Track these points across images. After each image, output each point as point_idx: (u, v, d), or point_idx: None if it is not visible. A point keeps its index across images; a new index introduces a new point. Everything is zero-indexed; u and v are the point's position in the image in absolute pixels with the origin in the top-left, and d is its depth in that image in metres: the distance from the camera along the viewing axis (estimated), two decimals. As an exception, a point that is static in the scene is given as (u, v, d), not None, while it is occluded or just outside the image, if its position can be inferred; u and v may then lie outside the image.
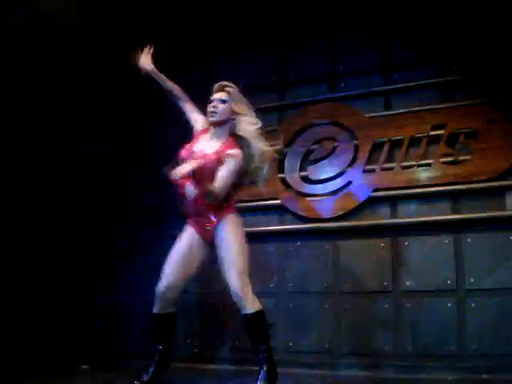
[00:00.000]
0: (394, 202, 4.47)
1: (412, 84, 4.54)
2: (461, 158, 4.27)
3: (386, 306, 4.25)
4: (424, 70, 4.55)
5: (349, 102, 4.78)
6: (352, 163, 4.62)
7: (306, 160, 4.81)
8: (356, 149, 4.63)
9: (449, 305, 4.10)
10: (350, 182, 4.59)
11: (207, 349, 4.78)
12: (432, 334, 4.08)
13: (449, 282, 4.13)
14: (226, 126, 3.46)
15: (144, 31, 4.65)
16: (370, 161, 4.56)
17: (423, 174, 4.36)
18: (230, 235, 3.37)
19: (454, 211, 4.27)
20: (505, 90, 4.28)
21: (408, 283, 4.25)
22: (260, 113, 4.84)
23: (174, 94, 3.62)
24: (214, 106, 3.40)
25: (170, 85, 3.62)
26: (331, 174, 4.68)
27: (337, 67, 4.90)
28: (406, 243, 4.34)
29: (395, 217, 4.44)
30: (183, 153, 3.37)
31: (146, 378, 3.39)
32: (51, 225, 5.37)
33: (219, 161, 3.27)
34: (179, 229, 3.52)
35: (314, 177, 4.75)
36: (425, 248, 4.27)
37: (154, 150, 5.11)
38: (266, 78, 5.15)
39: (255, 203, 4.85)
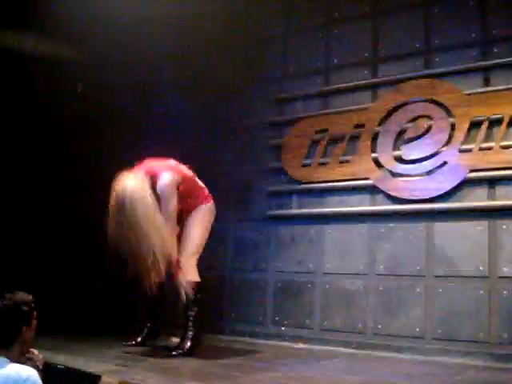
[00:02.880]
0: (492, 183, 4.25)
1: (512, 59, 4.28)
2: None
3: (481, 291, 4.09)
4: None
5: (445, 78, 4.56)
6: (448, 142, 4.42)
7: (400, 139, 4.67)
8: (452, 127, 4.42)
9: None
10: (445, 163, 4.41)
11: (295, 327, 4.84)
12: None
13: (550, 268, 3.92)
14: None
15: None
16: (466, 140, 4.35)
17: (522, 156, 4.12)
18: (197, 220, 4.13)
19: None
20: None
21: (505, 269, 4.05)
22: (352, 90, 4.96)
23: None
24: None
25: None
26: (426, 154, 4.50)
27: (431, 41, 4.67)
28: (504, 226, 4.14)
29: (493, 199, 4.23)
30: None
31: (138, 340, 4.18)
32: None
33: None
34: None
35: (407, 156, 4.60)
36: (525, 232, 4.06)
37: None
38: (358, 54, 5.03)
39: (346, 183, 4.83)
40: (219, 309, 5.24)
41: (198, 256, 4.08)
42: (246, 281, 5.20)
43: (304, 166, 5.07)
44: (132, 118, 6.05)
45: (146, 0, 5.34)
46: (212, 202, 4.28)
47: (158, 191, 3.92)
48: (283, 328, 4.87)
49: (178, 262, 3.94)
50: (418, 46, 4.75)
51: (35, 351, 2.76)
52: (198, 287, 3.96)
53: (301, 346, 4.63)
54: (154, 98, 6.02)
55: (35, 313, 2.66)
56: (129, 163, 4.02)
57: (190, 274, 3.94)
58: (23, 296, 2.64)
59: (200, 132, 5.58)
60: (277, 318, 4.92)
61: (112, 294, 5.70)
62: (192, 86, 5.56)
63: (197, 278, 3.98)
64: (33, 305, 2.65)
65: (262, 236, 5.21)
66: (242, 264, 5.26)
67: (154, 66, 5.83)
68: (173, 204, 3.95)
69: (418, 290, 4.35)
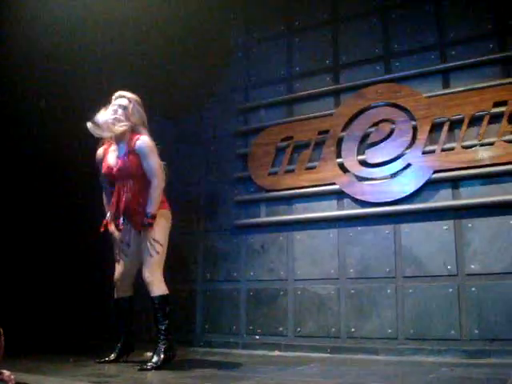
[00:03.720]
0: (455, 183, 4.34)
1: (470, 60, 4.38)
2: (525, 135, 4.11)
3: (451, 289, 4.15)
4: (482, 45, 4.37)
5: (405, 82, 4.66)
6: (411, 145, 4.51)
7: (364, 143, 4.74)
8: (414, 130, 4.51)
9: (515, 288, 3.98)
10: (409, 165, 4.49)
11: (269, 335, 4.83)
12: (498, 318, 3.95)
13: (515, 265, 4.00)
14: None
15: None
16: (429, 142, 4.44)
17: (485, 153, 4.21)
18: (157, 229, 3.85)
19: (519, 190, 4.12)
20: None
21: (473, 266, 4.13)
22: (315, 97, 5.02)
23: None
24: (115, 110, 3.89)
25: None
26: (390, 157, 4.58)
27: (391, 46, 4.78)
28: (470, 225, 4.22)
29: (458, 198, 4.31)
30: (105, 170, 3.94)
31: (111, 357, 4.02)
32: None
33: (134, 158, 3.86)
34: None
35: (372, 160, 4.67)
36: (490, 230, 4.14)
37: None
38: (320, 62, 5.10)
39: (313, 189, 4.86)
40: (192, 320, 5.21)
41: (162, 266, 3.89)
42: (217, 291, 5.17)
43: (271, 174, 5.09)
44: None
45: (109, 4, 5.32)
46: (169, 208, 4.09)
47: (137, 150, 3.85)
48: (257, 337, 4.86)
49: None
50: (377, 51, 4.85)
51: (6, 372, 2.70)
52: (167, 300, 3.86)
53: (277, 353, 4.62)
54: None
55: (1, 331, 2.60)
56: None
57: (158, 288, 3.82)
58: None
59: (165, 143, 5.54)
60: (250, 327, 4.90)
61: (83, 309, 5.63)
62: (156, 97, 5.53)
63: (165, 291, 3.87)
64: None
65: (231, 245, 5.20)
66: (213, 274, 5.24)
67: (115, 76, 5.78)
68: (156, 161, 3.87)
69: (389, 291, 4.39)
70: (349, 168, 4.75)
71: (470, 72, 4.38)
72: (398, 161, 4.55)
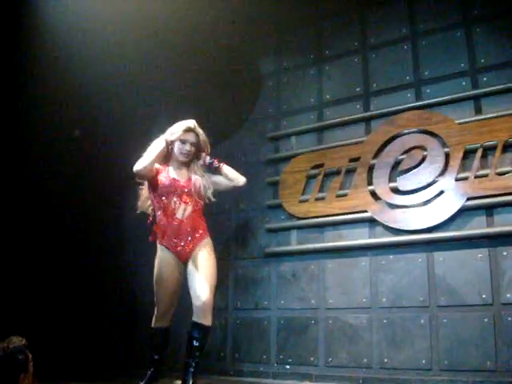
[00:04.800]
0: (489, 210, 4.26)
1: (501, 86, 4.33)
2: (560, 161, 4.03)
3: (486, 319, 4.05)
4: (513, 71, 4.35)
5: (437, 108, 4.62)
6: (443, 172, 4.45)
7: (396, 170, 4.70)
8: (447, 157, 4.46)
9: (554, 318, 3.86)
10: (442, 192, 4.43)
11: (300, 365, 4.77)
12: (537, 349, 3.84)
13: (553, 294, 3.89)
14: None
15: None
16: (462, 168, 4.38)
17: (520, 180, 4.13)
18: (207, 256, 3.90)
19: (556, 217, 4.03)
20: None
21: (508, 295, 4.02)
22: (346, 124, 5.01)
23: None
24: (189, 151, 4.00)
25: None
26: (422, 184, 4.52)
27: (421, 73, 4.76)
28: (505, 253, 4.12)
29: (492, 226, 4.23)
30: (165, 182, 3.93)
31: None
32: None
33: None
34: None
35: (404, 187, 4.61)
36: (525, 258, 4.04)
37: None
38: (350, 89, 5.11)
39: (345, 216, 4.81)
40: (222, 349, 5.17)
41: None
42: (247, 319, 5.14)
43: (301, 201, 5.07)
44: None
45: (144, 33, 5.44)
46: None
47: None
48: (288, 366, 4.79)
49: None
50: (408, 78, 4.83)
51: None
52: (209, 333, 3.83)
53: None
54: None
55: (31, 357, 2.63)
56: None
57: (209, 318, 3.76)
58: (17, 342, 2.60)
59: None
60: (281, 357, 4.84)
61: (113, 337, 5.66)
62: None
63: (210, 323, 3.80)
64: (27, 350, 2.61)
65: (262, 273, 5.17)
66: (244, 302, 5.21)
67: (149, 107, 5.87)
68: None
69: (422, 321, 4.30)
70: (380, 195, 4.70)
71: (502, 97, 4.32)
72: (430, 188, 4.49)
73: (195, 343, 3.74)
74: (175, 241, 3.91)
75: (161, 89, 5.97)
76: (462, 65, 4.55)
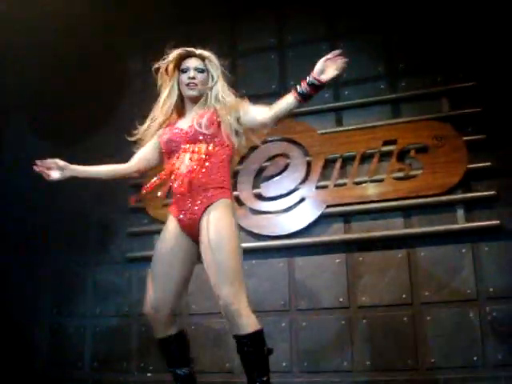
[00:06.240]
0: (347, 217, 4.48)
1: (362, 100, 4.61)
2: (412, 173, 4.32)
3: (343, 322, 4.24)
4: (373, 86, 4.62)
5: (301, 118, 4.79)
6: (305, 180, 4.62)
7: (259, 177, 4.79)
8: (308, 165, 4.64)
9: (404, 319, 4.12)
10: (303, 199, 4.59)
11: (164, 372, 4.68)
12: (389, 349, 4.08)
13: (404, 296, 4.16)
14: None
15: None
16: (322, 177, 4.57)
17: (375, 190, 4.39)
18: (221, 226, 2.72)
19: (407, 226, 4.32)
20: (453, 104, 4.38)
21: (364, 298, 4.25)
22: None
23: (141, 168, 3.17)
24: (192, 77, 2.94)
25: (130, 168, 3.16)
26: (284, 191, 4.66)
27: (287, 83, 4.90)
28: (361, 258, 4.35)
29: (349, 232, 4.46)
30: (171, 136, 2.92)
31: None
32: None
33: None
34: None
35: (267, 194, 4.72)
36: (379, 263, 4.29)
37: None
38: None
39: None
40: (80, 358, 4.93)
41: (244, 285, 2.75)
42: (108, 327, 4.96)
43: (164, 205, 4.99)
44: None
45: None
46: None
47: None
48: (149, 374, 4.69)
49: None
50: (274, 87, 4.95)
51: None
52: (263, 338, 2.80)
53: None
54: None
55: None
56: None
57: (248, 321, 2.68)
58: None
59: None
60: (142, 365, 4.71)
61: None
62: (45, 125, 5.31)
63: (258, 325, 2.72)
64: None
65: (123, 279, 5.03)
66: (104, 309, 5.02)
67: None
68: None
69: (283, 324, 4.41)
70: (244, 201, 4.77)
71: (361, 111, 4.59)
72: (292, 195, 4.63)
73: (242, 360, 2.80)
74: (181, 205, 2.86)
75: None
76: (327, 79, 4.74)
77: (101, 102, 5.46)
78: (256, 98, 4.78)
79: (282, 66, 4.98)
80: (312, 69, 2.69)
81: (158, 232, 4.80)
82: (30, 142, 5.42)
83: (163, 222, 4.77)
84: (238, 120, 2.89)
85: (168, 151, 2.94)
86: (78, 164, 3.03)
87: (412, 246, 4.26)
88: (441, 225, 4.21)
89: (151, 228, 5.02)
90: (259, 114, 2.85)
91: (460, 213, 4.19)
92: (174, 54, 2.96)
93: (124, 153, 5.17)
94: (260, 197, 4.75)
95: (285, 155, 4.75)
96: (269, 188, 4.73)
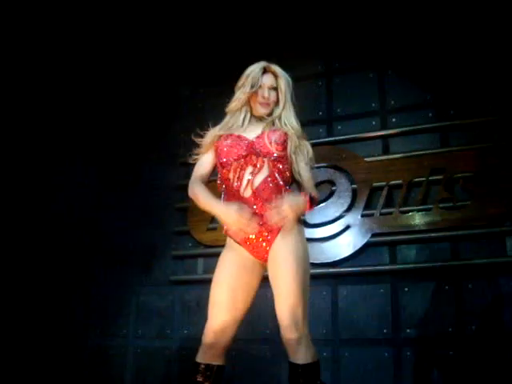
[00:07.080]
0: (393, 246, 4.41)
1: (410, 128, 4.55)
2: (460, 202, 4.24)
3: (386, 354, 4.15)
4: (421, 114, 4.56)
5: (347, 145, 4.76)
6: (350, 207, 4.57)
7: (303, 204, 4.76)
8: (354, 193, 4.60)
9: (450, 353, 4.01)
10: (348, 227, 4.54)
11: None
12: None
13: (450, 330, 4.05)
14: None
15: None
16: (368, 205, 4.52)
17: (423, 219, 4.31)
18: (293, 252, 2.65)
19: (454, 257, 4.22)
20: (501, 135, 4.29)
21: (408, 330, 4.16)
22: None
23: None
24: (267, 97, 2.88)
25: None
26: (329, 218, 4.62)
27: (333, 110, 4.90)
28: (406, 289, 4.27)
29: (394, 262, 4.38)
30: (224, 148, 2.80)
31: None
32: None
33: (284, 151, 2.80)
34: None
35: (311, 220, 4.68)
36: (425, 294, 4.20)
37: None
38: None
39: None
40: (118, 381, 4.97)
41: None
42: (149, 348, 4.99)
43: (209, 229, 5.02)
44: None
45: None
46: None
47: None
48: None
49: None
50: (320, 114, 4.94)
51: None
52: (320, 370, 2.66)
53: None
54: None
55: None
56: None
57: (309, 350, 2.61)
58: None
59: (101, 195, 5.44)
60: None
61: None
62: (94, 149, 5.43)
63: (316, 355, 2.65)
64: None
65: (166, 301, 5.05)
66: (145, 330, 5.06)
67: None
68: None
69: (325, 354, 4.33)
70: (287, 227, 4.74)
71: (408, 139, 4.54)
72: (337, 222, 4.59)
73: None
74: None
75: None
76: (373, 105, 4.73)
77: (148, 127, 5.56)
78: (303, 124, 4.94)
79: (328, 92, 4.97)
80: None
81: (202, 256, 4.97)
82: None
83: (208, 246, 4.92)
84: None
85: (225, 162, 2.80)
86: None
87: (459, 278, 4.15)
88: (490, 257, 4.10)
89: (195, 251, 5.05)
90: (301, 175, 2.88)
91: (510, 244, 4.08)
92: (257, 69, 2.87)
93: (169, 177, 5.33)
94: (305, 223, 4.72)
95: (330, 182, 4.72)
96: (314, 215, 4.69)
